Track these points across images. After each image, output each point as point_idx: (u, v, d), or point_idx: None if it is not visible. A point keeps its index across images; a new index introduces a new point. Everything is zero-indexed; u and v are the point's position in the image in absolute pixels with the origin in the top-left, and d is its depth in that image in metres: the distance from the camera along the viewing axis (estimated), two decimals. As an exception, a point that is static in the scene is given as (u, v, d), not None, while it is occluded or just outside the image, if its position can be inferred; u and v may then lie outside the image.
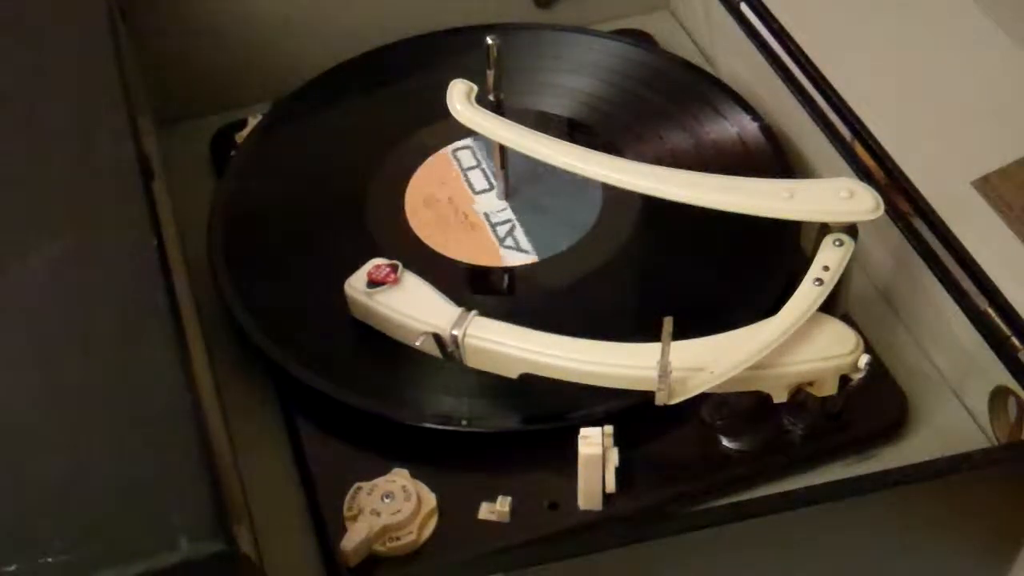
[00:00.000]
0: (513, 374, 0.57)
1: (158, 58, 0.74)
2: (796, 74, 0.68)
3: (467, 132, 0.65)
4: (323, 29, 0.78)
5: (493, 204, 0.68)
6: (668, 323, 0.50)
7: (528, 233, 0.66)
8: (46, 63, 0.58)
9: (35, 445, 0.44)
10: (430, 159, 0.70)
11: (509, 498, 0.55)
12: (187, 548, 0.40)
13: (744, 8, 0.73)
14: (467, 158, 0.70)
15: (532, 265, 0.64)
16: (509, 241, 0.66)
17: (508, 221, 0.67)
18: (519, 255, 0.65)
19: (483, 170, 0.69)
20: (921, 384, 0.61)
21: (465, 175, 0.69)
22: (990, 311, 0.57)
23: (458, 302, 0.58)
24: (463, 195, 0.68)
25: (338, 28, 0.77)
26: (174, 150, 0.73)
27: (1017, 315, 0.55)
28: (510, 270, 0.64)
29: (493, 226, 0.66)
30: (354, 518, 0.54)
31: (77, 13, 0.60)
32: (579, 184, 0.65)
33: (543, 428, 0.58)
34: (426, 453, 0.57)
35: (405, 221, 0.66)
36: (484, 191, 0.68)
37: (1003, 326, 0.56)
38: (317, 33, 0.77)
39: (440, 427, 0.57)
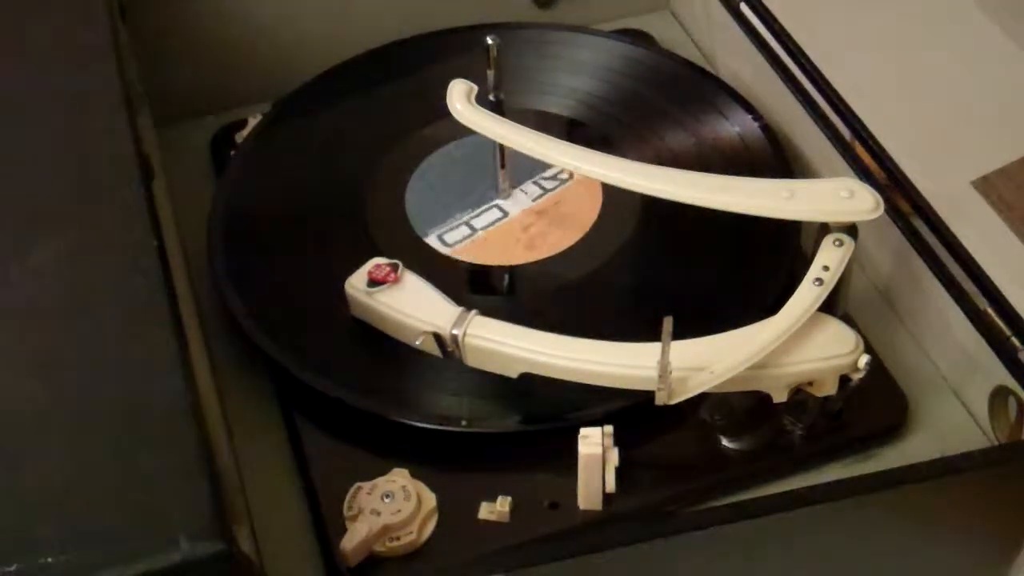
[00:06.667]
0: (513, 374, 0.57)
1: (158, 58, 0.74)
2: (796, 74, 0.68)
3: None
4: (323, 29, 0.78)
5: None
6: (668, 323, 0.50)
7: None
8: (46, 63, 0.58)
9: (35, 445, 0.44)
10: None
11: (509, 498, 0.55)
12: (187, 548, 0.40)
13: (744, 8, 0.72)
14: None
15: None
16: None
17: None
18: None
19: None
20: (921, 384, 0.61)
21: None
22: (990, 311, 0.57)
23: (458, 302, 0.58)
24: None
25: (338, 28, 0.77)
26: (174, 150, 0.73)
27: (1017, 315, 0.55)
28: (510, 270, 0.64)
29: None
30: (354, 518, 0.54)
31: (77, 13, 0.60)
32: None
33: (543, 428, 0.58)
34: (426, 453, 0.57)
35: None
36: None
37: (1003, 326, 0.56)
38: (317, 33, 0.77)
39: (440, 427, 0.57)
